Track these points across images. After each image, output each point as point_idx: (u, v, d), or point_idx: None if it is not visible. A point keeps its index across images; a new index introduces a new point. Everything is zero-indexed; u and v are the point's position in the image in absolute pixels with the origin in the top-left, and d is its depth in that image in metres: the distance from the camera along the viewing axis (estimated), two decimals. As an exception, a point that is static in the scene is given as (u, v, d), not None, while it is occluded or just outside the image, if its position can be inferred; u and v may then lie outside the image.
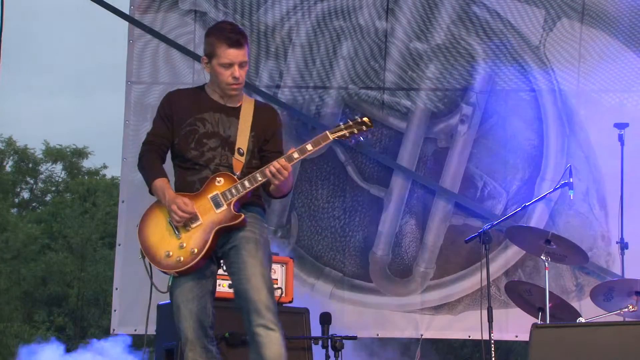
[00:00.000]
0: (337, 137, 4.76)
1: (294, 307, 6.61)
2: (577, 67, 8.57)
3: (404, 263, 8.52)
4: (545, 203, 8.26)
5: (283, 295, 6.55)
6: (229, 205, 4.67)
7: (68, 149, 31.76)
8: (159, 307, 6.62)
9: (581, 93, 8.57)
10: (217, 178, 4.71)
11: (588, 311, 6.92)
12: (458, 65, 8.65)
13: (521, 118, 8.58)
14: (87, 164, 32.28)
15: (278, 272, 6.55)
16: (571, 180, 6.77)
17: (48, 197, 32.51)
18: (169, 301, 6.61)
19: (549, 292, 6.52)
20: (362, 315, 8.38)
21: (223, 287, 6.45)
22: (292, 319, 6.46)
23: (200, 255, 4.63)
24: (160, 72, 8.72)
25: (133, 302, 8.39)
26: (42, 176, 32.21)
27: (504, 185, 8.54)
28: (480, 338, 6.58)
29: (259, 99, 5.98)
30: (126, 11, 8.81)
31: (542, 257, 6.56)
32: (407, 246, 8.55)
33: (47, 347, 9.36)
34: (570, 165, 6.97)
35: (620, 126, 7.88)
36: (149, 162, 4.85)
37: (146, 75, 8.73)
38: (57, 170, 32.21)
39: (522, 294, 6.88)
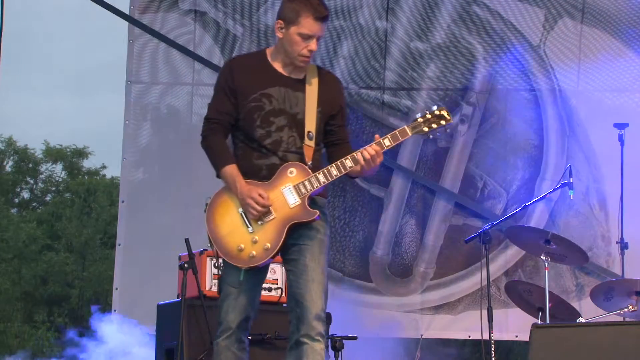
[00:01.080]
0: (416, 132, 4.56)
1: (293, 307, 6.60)
2: (577, 67, 8.57)
3: (404, 263, 8.51)
4: (545, 203, 8.26)
5: (283, 295, 6.54)
6: (302, 199, 4.46)
7: (68, 149, 31.76)
8: (159, 307, 6.62)
9: (581, 93, 8.56)
10: (290, 168, 4.49)
11: (588, 311, 6.92)
12: (458, 65, 8.65)
13: (521, 118, 8.58)
14: (87, 164, 32.29)
15: (278, 272, 6.55)
16: (571, 180, 6.76)
17: (48, 197, 32.51)
18: (169, 301, 6.65)
19: (549, 292, 6.51)
20: (362, 315, 8.37)
21: (223, 287, 6.45)
22: (292, 318, 6.45)
23: (273, 253, 4.45)
24: (160, 71, 8.72)
25: (133, 302, 8.40)
26: (42, 176, 32.21)
27: (504, 185, 8.54)
28: (480, 338, 6.58)
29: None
30: (126, 11, 8.81)
31: (542, 257, 6.55)
32: (407, 246, 8.54)
33: None
34: (570, 165, 6.96)
35: (620, 126, 7.88)
36: (217, 145, 4.56)
37: (146, 75, 8.74)
38: (57, 170, 32.21)
39: (522, 294, 6.88)
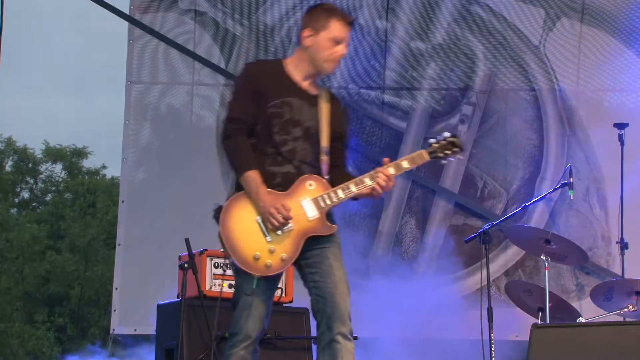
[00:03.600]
0: (432, 157, 4.59)
1: (294, 307, 6.61)
2: (577, 67, 8.57)
3: (404, 263, 8.51)
4: (545, 203, 8.26)
5: (283, 295, 6.54)
6: (321, 213, 4.46)
7: (68, 149, 31.75)
8: (159, 307, 6.61)
9: (581, 93, 8.57)
10: (309, 181, 4.49)
11: (588, 311, 6.92)
12: (458, 65, 8.66)
13: (521, 118, 8.58)
14: (87, 164, 32.28)
15: (278, 272, 6.54)
16: (571, 180, 6.76)
17: (48, 197, 32.50)
18: (169, 301, 6.64)
19: (549, 292, 6.51)
20: (361, 314, 8.36)
21: (224, 287, 6.45)
22: (292, 319, 6.46)
23: (289, 264, 4.44)
24: (160, 71, 8.72)
25: (133, 302, 8.40)
26: (42, 176, 32.20)
27: (504, 185, 8.54)
28: (480, 338, 6.57)
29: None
30: (126, 11, 8.81)
31: (542, 257, 6.55)
32: (407, 246, 8.54)
33: None
34: (570, 165, 6.96)
35: (620, 126, 7.87)
36: (243, 146, 4.48)
37: (146, 75, 8.74)
38: (57, 170, 32.20)
39: (522, 294, 6.87)
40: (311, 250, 4.48)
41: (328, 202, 4.48)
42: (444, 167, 8.56)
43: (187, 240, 6.22)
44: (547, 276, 6.51)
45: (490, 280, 6.72)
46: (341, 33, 4.56)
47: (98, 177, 32.12)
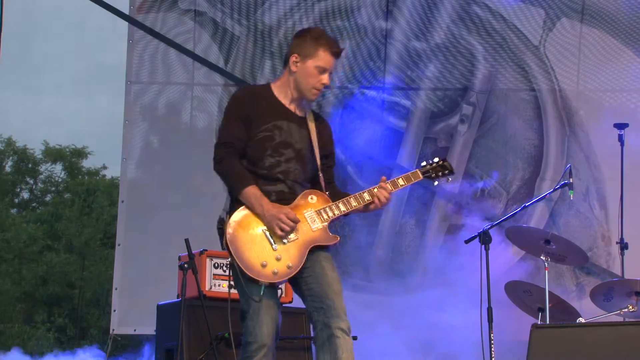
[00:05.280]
0: (426, 177, 4.83)
1: (293, 307, 6.60)
2: (577, 67, 8.57)
3: (404, 262, 8.51)
4: (545, 203, 8.26)
5: (283, 295, 6.54)
6: (324, 224, 4.67)
7: (68, 149, 31.74)
8: (159, 307, 6.61)
9: (581, 93, 8.57)
10: (311, 195, 4.69)
11: (588, 311, 6.91)
12: (458, 65, 8.66)
13: (521, 118, 8.58)
14: (87, 164, 32.26)
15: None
16: (571, 180, 6.75)
17: (48, 197, 32.49)
18: (169, 301, 6.64)
19: (549, 292, 6.51)
20: (362, 315, 8.37)
21: (223, 287, 6.45)
22: (291, 319, 6.45)
23: (295, 271, 4.57)
24: (160, 71, 8.72)
25: (133, 302, 8.40)
26: (41, 176, 32.18)
27: (504, 185, 8.54)
28: (480, 338, 6.57)
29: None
30: (126, 11, 8.81)
31: (542, 257, 6.55)
32: (407, 246, 8.54)
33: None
34: (570, 165, 6.96)
35: (620, 126, 7.87)
36: (235, 167, 4.63)
37: (146, 75, 8.74)
38: (57, 170, 32.18)
39: (522, 294, 6.87)
40: (307, 259, 4.62)
41: (330, 214, 4.69)
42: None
43: (187, 241, 6.22)
44: (547, 276, 6.51)
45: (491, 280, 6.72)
46: (327, 63, 4.70)
47: (98, 177, 32.11)
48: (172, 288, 6.72)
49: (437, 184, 4.89)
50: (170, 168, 8.70)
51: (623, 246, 7.66)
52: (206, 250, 6.46)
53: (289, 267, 4.55)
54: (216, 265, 6.52)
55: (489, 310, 6.50)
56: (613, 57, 8.56)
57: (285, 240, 4.57)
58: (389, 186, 4.72)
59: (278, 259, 4.54)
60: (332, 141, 4.90)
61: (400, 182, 4.76)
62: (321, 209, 4.67)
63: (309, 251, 4.62)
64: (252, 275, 4.49)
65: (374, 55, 8.68)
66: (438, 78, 8.66)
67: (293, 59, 4.70)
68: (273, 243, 4.56)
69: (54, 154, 31.68)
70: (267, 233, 4.56)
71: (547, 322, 6.39)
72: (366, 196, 4.72)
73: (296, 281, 4.65)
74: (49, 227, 29.61)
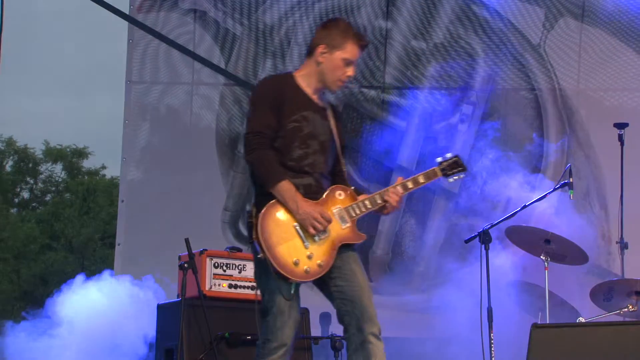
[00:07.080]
0: (443, 174, 4.83)
1: (293, 307, 6.59)
2: (577, 66, 8.56)
3: (404, 262, 8.51)
4: (546, 202, 8.25)
5: (283, 295, 6.53)
6: (352, 222, 4.61)
7: (68, 149, 31.77)
8: (159, 307, 6.61)
9: (581, 92, 8.56)
10: (338, 191, 4.63)
11: (588, 311, 6.91)
12: (458, 64, 8.65)
13: (521, 117, 8.57)
14: (87, 164, 32.30)
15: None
16: (571, 180, 6.76)
17: (48, 197, 32.51)
18: (169, 301, 6.64)
19: (549, 292, 6.51)
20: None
21: (223, 287, 6.45)
22: (291, 318, 6.44)
23: (325, 270, 4.52)
24: (160, 71, 8.72)
25: (133, 302, 8.38)
26: (42, 176, 32.22)
27: (504, 185, 8.53)
28: (480, 338, 6.57)
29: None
30: (126, 11, 8.81)
31: (542, 256, 6.55)
32: (407, 245, 8.54)
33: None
34: (570, 165, 6.96)
35: (620, 126, 7.87)
36: (269, 159, 4.52)
37: (146, 75, 8.74)
38: (57, 170, 32.22)
39: (522, 294, 6.87)
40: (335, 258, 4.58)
41: (357, 211, 4.63)
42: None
43: (187, 240, 6.22)
44: (547, 276, 6.50)
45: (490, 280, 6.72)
46: (354, 55, 4.68)
47: (98, 177, 32.14)
48: (172, 288, 6.72)
49: (452, 181, 4.87)
50: (170, 168, 8.70)
51: (623, 246, 7.65)
52: (206, 249, 6.46)
53: (319, 266, 4.49)
54: (216, 265, 6.51)
55: (489, 310, 6.50)
56: (613, 56, 8.55)
57: (316, 238, 4.50)
58: (409, 184, 4.69)
59: (309, 257, 4.48)
60: (344, 130, 4.87)
61: (421, 179, 4.75)
62: (349, 206, 4.61)
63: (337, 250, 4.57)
64: (284, 273, 4.42)
65: (374, 54, 8.68)
66: (438, 77, 8.66)
67: (320, 49, 4.64)
68: (305, 240, 4.49)
69: (54, 154, 31.73)
70: (299, 229, 4.49)
71: (547, 322, 6.39)
72: (399, 189, 4.68)
73: (323, 280, 4.57)
74: (48, 227, 29.62)
